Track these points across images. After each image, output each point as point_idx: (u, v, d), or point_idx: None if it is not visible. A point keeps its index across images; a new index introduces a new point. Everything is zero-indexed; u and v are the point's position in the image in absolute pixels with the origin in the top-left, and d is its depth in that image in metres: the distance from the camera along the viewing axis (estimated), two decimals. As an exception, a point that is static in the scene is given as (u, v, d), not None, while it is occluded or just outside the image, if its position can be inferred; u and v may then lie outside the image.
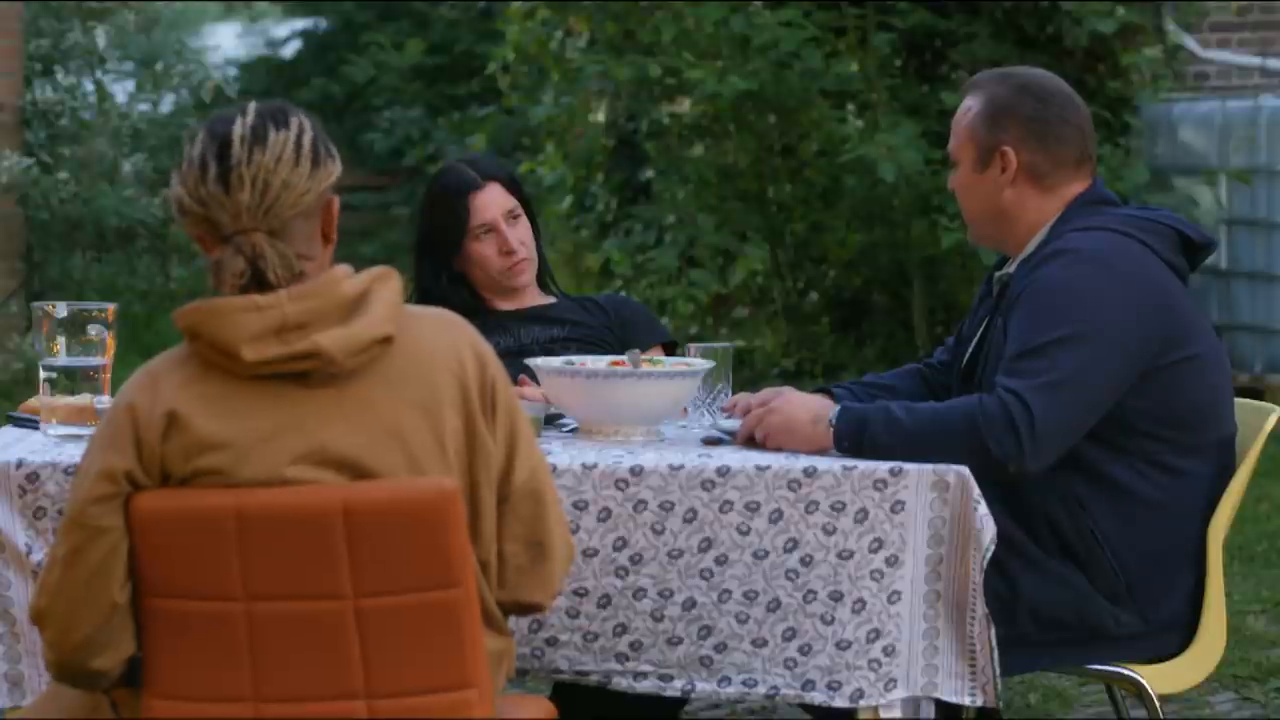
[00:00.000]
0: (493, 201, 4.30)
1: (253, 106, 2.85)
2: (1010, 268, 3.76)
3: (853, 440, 3.49)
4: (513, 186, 4.35)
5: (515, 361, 3.96)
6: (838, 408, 3.55)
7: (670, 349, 4.42)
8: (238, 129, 2.81)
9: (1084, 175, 3.72)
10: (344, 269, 2.85)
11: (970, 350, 3.79)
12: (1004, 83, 3.74)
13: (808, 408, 3.56)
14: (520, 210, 4.33)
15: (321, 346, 2.76)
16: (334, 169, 2.86)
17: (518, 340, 4.30)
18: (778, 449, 3.54)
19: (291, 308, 2.77)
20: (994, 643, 3.40)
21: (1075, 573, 3.58)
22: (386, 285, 2.85)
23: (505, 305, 4.36)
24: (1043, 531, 3.60)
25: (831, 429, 3.51)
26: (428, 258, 4.34)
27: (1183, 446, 3.61)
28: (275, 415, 2.79)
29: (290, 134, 2.81)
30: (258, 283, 2.79)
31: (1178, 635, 3.64)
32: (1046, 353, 3.50)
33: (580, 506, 3.39)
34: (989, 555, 3.38)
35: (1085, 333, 3.51)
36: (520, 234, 4.31)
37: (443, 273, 4.32)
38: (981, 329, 3.78)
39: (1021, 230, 3.71)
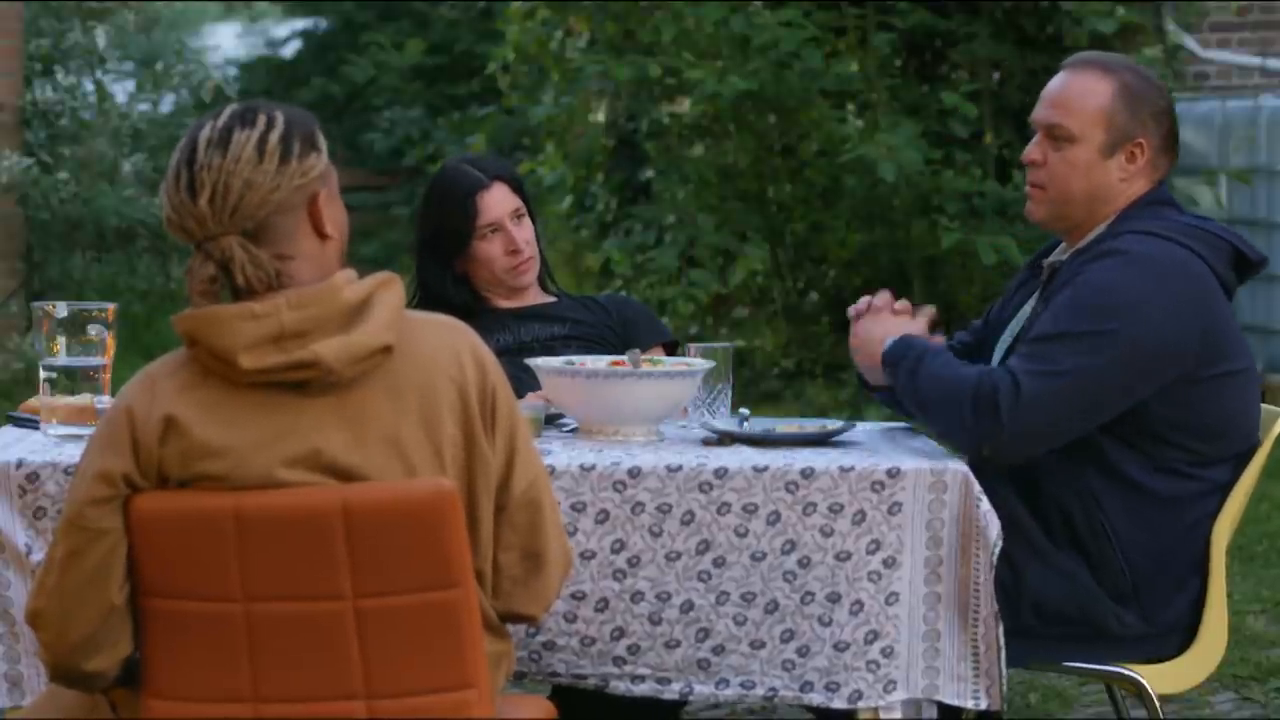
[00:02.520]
0: (499, 201, 4.30)
1: (228, 109, 2.84)
2: (1062, 255, 3.73)
3: (890, 371, 3.67)
4: (516, 186, 4.36)
5: (516, 359, 3.96)
6: (895, 337, 3.69)
7: (671, 349, 4.42)
8: (205, 134, 2.80)
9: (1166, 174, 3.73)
10: (346, 275, 2.83)
11: (1010, 334, 3.76)
12: (1132, 70, 3.68)
13: (886, 329, 3.74)
14: (524, 210, 4.34)
15: (320, 356, 2.75)
16: (314, 162, 2.82)
17: (518, 338, 4.30)
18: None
19: (289, 316, 2.76)
20: (1001, 643, 3.38)
21: (1082, 568, 3.58)
22: (389, 291, 2.83)
23: (506, 303, 4.36)
24: (1054, 522, 3.59)
25: (881, 353, 3.70)
26: (432, 258, 4.33)
27: (1203, 459, 3.59)
28: (273, 423, 2.78)
29: (254, 132, 2.79)
30: (231, 288, 2.78)
31: (1179, 638, 3.63)
32: (1061, 343, 3.50)
33: (578, 508, 3.39)
34: (997, 551, 3.37)
35: (1106, 338, 3.48)
36: (525, 234, 4.32)
37: (447, 273, 4.31)
38: (1023, 314, 3.75)
39: (1101, 217, 3.66)
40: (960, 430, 3.51)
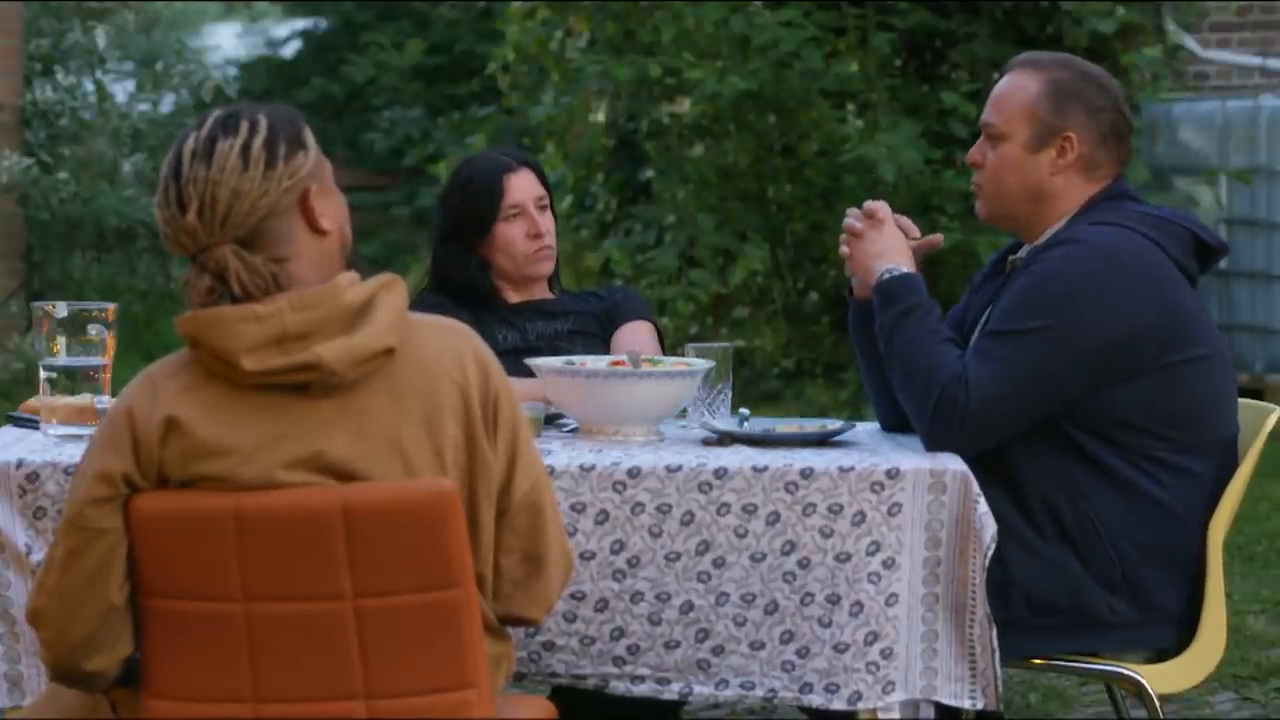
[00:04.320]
0: (526, 185, 4.31)
1: (212, 116, 2.83)
2: (1023, 253, 3.76)
3: (879, 302, 3.68)
4: (541, 177, 4.38)
5: (521, 358, 3.96)
6: (892, 271, 3.69)
7: (659, 335, 4.39)
8: (189, 145, 2.80)
9: (1117, 171, 3.74)
10: (349, 276, 2.82)
11: (978, 333, 3.79)
12: (1067, 67, 3.72)
13: (887, 248, 3.73)
14: (548, 202, 4.36)
15: (323, 358, 2.74)
16: (301, 161, 2.81)
17: (524, 336, 4.30)
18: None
19: (292, 318, 2.76)
20: (995, 644, 3.40)
21: (1071, 558, 3.59)
22: (391, 293, 2.83)
23: (514, 297, 4.36)
24: (1041, 515, 3.60)
25: (877, 279, 3.69)
26: (454, 243, 4.32)
27: (1181, 445, 3.61)
28: (275, 424, 2.77)
29: (237, 140, 2.78)
30: (230, 296, 2.78)
31: (1173, 629, 3.64)
32: (1005, 341, 3.55)
33: (578, 509, 3.39)
34: (990, 553, 3.38)
35: (1045, 334, 3.53)
36: (548, 223, 4.33)
37: (471, 258, 4.31)
38: (989, 312, 3.77)
39: (1050, 217, 3.70)
40: (919, 420, 3.58)
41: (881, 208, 3.78)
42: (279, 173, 2.79)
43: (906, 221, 3.81)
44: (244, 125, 2.80)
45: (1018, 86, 3.71)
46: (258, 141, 2.79)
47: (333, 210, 2.87)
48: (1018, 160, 3.70)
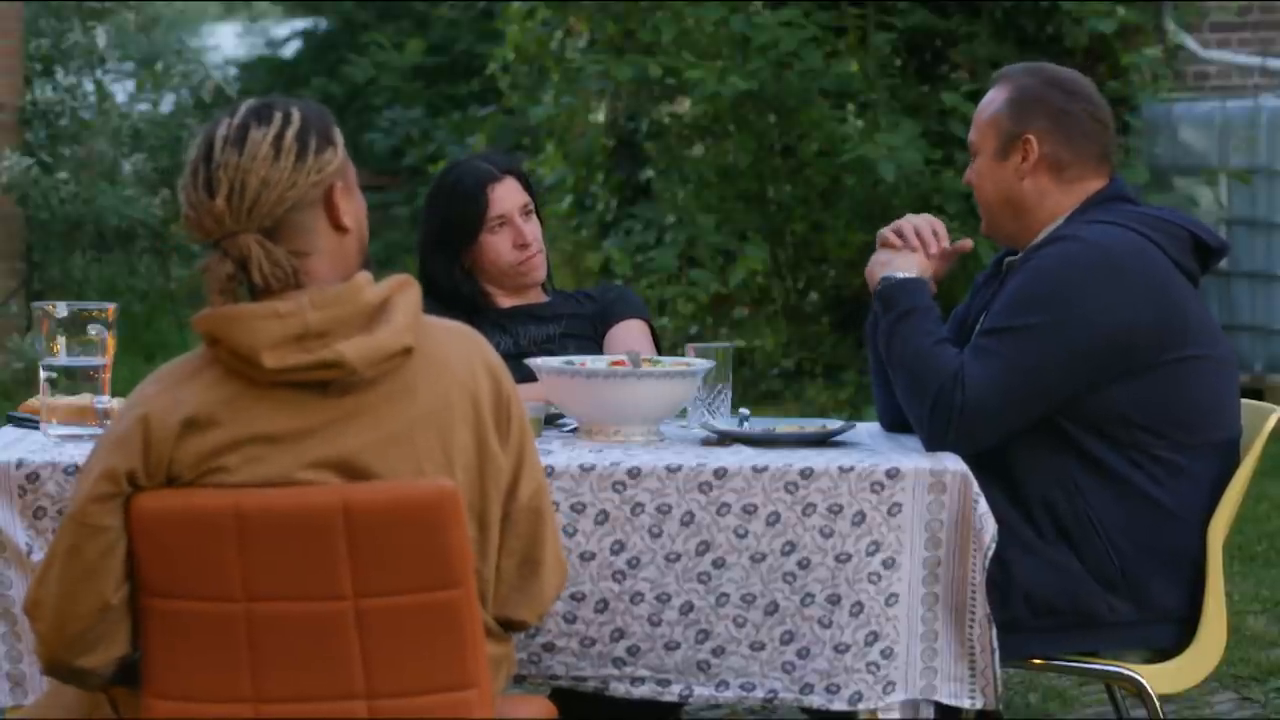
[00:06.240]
0: (510, 194, 4.30)
1: (245, 105, 2.85)
2: (1017, 256, 3.78)
3: (878, 311, 3.74)
4: (525, 183, 4.36)
5: (514, 363, 3.96)
6: (890, 278, 3.75)
7: (651, 331, 4.39)
8: (221, 131, 2.81)
9: (1104, 173, 3.76)
10: (365, 276, 2.83)
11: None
12: (1033, 75, 3.78)
13: (893, 257, 3.81)
14: (533, 207, 4.34)
15: (345, 356, 2.75)
16: (330, 158, 2.84)
17: (516, 341, 4.29)
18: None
19: (313, 316, 2.76)
20: (995, 644, 3.40)
21: (1070, 558, 3.60)
22: (406, 294, 2.84)
23: (506, 301, 4.36)
24: (1039, 514, 3.61)
25: (881, 282, 3.75)
26: (439, 252, 4.31)
27: (1180, 444, 3.62)
28: (293, 421, 2.78)
29: (270, 130, 2.80)
30: (249, 286, 2.78)
31: (1173, 628, 3.65)
32: (999, 339, 3.57)
33: (578, 509, 3.39)
34: (990, 553, 3.38)
35: (1037, 332, 3.54)
36: (534, 230, 4.31)
37: (455, 268, 4.30)
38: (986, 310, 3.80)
39: (1036, 223, 3.74)
40: (917, 420, 3.60)
41: (911, 232, 3.85)
42: (308, 166, 2.81)
43: (938, 223, 3.85)
44: (278, 116, 2.81)
45: (988, 100, 3.80)
46: (290, 133, 2.80)
47: (354, 209, 2.89)
48: (989, 170, 3.77)
